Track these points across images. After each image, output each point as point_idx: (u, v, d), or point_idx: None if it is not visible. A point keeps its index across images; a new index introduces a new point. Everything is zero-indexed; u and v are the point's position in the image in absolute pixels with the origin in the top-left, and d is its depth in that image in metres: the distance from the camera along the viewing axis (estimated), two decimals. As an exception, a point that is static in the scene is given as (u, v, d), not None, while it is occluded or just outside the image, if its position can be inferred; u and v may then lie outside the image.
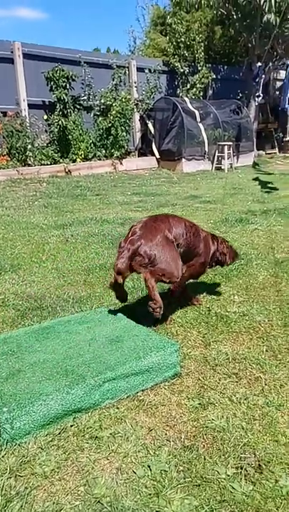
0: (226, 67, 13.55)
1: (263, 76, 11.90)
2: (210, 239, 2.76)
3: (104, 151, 10.26)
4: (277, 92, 14.67)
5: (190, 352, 2.13)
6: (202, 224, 5.03)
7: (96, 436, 1.53)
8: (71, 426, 1.59)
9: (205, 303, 2.79)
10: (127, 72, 10.93)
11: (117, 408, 1.67)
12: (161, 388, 1.81)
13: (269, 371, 2.00)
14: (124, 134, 10.25)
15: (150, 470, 1.36)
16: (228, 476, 1.35)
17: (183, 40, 11.70)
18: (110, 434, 1.53)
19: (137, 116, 11.18)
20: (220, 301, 2.84)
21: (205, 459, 1.42)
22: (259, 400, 1.75)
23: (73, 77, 9.48)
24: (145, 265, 2.17)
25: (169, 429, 1.56)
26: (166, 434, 1.54)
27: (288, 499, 1.29)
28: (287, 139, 14.52)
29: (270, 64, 12.97)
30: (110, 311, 2.35)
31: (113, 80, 10.42)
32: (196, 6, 11.69)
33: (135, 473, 1.35)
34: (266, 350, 2.20)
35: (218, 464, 1.40)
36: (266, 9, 10.45)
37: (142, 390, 1.78)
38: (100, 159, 10.20)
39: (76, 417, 1.62)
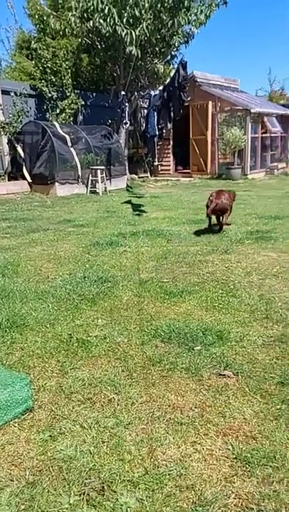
0: (94, 94, 14.03)
1: (127, 104, 12.58)
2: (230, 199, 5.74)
3: None
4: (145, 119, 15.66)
5: (46, 383, 2.13)
6: (73, 248, 5.09)
7: None
8: None
9: (67, 329, 2.82)
10: (-9, 94, 10.65)
11: None
12: (11, 426, 1.78)
13: (123, 391, 2.10)
14: (-9, 157, 9.92)
15: (-11, 516, 1.33)
16: (71, 504, 1.38)
17: (49, 65, 11.83)
18: None
19: (4, 140, 10.90)
20: (83, 326, 2.89)
21: (49, 492, 1.43)
22: (109, 422, 1.83)
23: None
24: (222, 209, 5.40)
25: (14, 467, 1.54)
26: (10, 473, 1.51)
27: (127, 515, 1.36)
28: (156, 164, 15.51)
29: (136, 93, 13.80)
30: None
31: (-24, 102, 10.06)
32: (61, 33, 11.95)
33: (-28, 523, 1.31)
34: (122, 371, 2.30)
35: (62, 494, 1.42)
36: (127, 42, 11.13)
37: (-11, 432, 1.73)
38: None
39: None
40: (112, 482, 1.48)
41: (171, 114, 14.04)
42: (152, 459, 1.62)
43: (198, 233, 5.70)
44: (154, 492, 1.46)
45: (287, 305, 3.18)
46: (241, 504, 1.45)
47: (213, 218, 5.71)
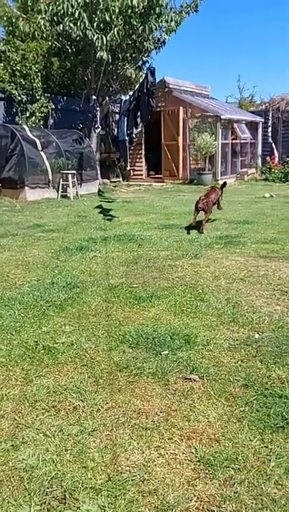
0: (65, 97, 13.94)
1: (98, 109, 12.58)
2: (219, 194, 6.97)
3: None
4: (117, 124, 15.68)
5: (9, 392, 2.09)
6: (42, 254, 5.04)
7: None
8: None
9: (33, 336, 2.79)
10: None
11: None
12: (-29, 437, 1.75)
13: (88, 398, 2.09)
14: None
15: None
16: (32, 515, 1.37)
17: (18, 68, 11.70)
18: None
19: (-28, 143, 10.67)
20: (50, 333, 2.87)
21: (9, 503, 1.41)
22: (73, 429, 1.82)
23: None
24: (206, 207, 6.23)
25: (-26, 480, 1.51)
26: None
27: (89, 523, 1.36)
28: (129, 168, 15.54)
29: (107, 98, 13.81)
30: None
31: None
32: (31, 35, 11.83)
33: None
34: (88, 377, 2.29)
35: (23, 505, 1.40)
36: (98, 47, 11.13)
37: None
38: None
39: None
40: (74, 490, 1.48)
41: (138, 119, 14.14)
42: (116, 465, 1.62)
43: (169, 238, 5.75)
44: (116, 498, 1.46)
45: (253, 308, 3.25)
46: (203, 507, 1.47)
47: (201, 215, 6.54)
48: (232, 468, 1.65)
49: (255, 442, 1.79)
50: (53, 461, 1.61)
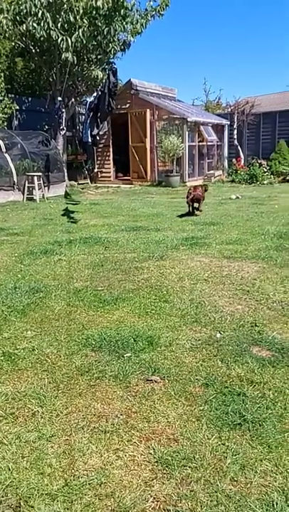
0: (30, 98, 13.74)
1: (64, 110, 12.46)
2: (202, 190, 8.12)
3: None
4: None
5: None
6: (6, 258, 4.94)
7: None
8: None
9: (-6, 343, 2.73)
10: None
11: None
12: None
13: (48, 403, 2.07)
14: None
15: None
16: (-16, 525, 1.34)
17: (-20, 68, 11.47)
18: None
19: None
20: (10, 339, 2.82)
21: None
22: (31, 436, 1.80)
23: None
24: (197, 199, 7.78)
25: None
26: None
27: (43, 530, 1.35)
28: (96, 170, 15.47)
29: (73, 99, 13.70)
30: None
31: None
32: (-7, 35, 11.60)
33: None
34: (49, 383, 2.27)
35: (-25, 516, 1.38)
36: (63, 48, 11.03)
37: None
38: None
39: None
40: (29, 497, 1.46)
41: (98, 120, 14.12)
42: (73, 470, 1.61)
43: (136, 240, 5.76)
44: (72, 503, 1.46)
45: (216, 308, 3.30)
46: (159, 507, 1.48)
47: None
48: (189, 467, 1.67)
49: (213, 440, 1.82)
50: (9, 469, 1.59)
